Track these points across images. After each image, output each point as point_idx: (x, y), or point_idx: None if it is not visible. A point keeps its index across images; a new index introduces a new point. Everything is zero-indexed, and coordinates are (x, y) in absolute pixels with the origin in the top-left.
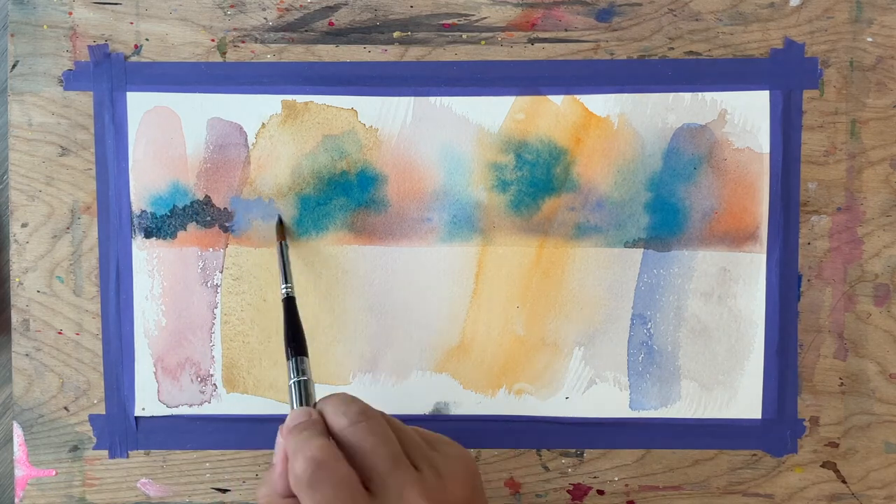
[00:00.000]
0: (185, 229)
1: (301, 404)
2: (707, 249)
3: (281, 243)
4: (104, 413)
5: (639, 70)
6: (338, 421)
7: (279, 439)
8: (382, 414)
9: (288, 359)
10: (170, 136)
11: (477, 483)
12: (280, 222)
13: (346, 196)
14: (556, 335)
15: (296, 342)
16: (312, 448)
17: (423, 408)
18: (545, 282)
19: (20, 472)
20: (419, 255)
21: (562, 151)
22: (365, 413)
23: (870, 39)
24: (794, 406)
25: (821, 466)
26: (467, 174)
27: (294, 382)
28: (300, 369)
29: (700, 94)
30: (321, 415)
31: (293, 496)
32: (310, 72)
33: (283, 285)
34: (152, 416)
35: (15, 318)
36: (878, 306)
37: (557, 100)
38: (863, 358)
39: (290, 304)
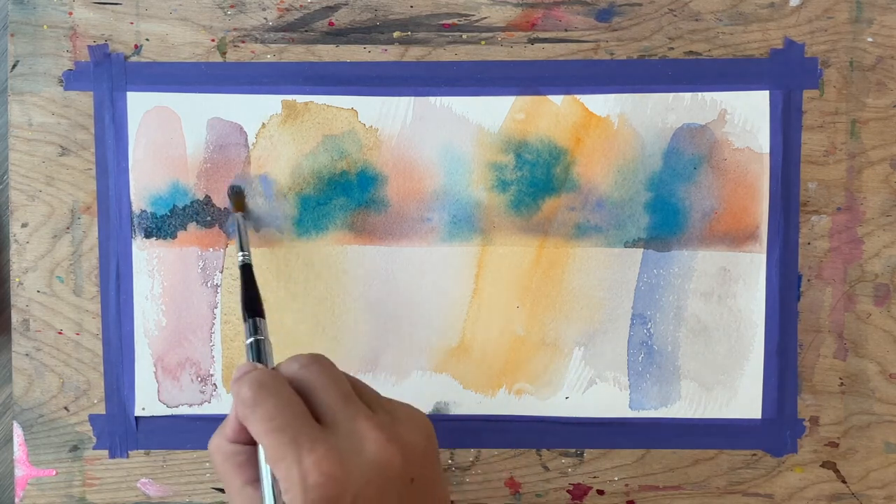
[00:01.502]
0: (186, 229)
1: (256, 360)
2: (707, 249)
3: (238, 215)
4: (104, 413)
5: (639, 70)
6: (289, 366)
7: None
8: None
9: (245, 321)
10: (170, 136)
11: (433, 439)
12: (235, 192)
13: (346, 196)
14: (556, 335)
15: (252, 304)
16: (257, 374)
17: (423, 408)
18: (545, 282)
19: (20, 471)
20: (419, 255)
21: (562, 151)
22: (316, 358)
23: (870, 39)
24: (794, 406)
25: (821, 466)
26: (467, 174)
27: (250, 342)
28: (257, 329)
29: (700, 94)
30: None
31: (245, 443)
32: (310, 72)
33: (240, 253)
34: (152, 416)
35: (15, 318)
36: (878, 306)
37: (557, 100)
38: (863, 358)
39: (246, 270)
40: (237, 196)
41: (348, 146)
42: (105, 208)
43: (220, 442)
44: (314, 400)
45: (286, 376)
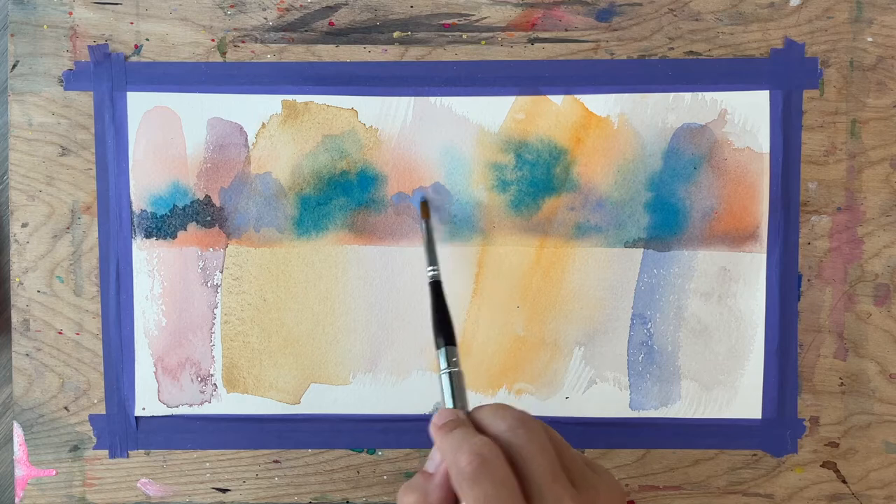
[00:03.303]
0: (186, 229)
1: (453, 396)
2: (707, 249)
3: (426, 221)
4: (104, 413)
5: (639, 70)
6: (495, 424)
7: (435, 447)
8: (541, 423)
9: (437, 348)
10: (170, 136)
11: None
12: (423, 200)
13: (346, 196)
14: (556, 335)
15: (446, 329)
16: (477, 443)
17: (423, 408)
18: (545, 282)
19: (20, 471)
20: (419, 255)
21: (562, 151)
22: (523, 420)
23: (870, 39)
24: (794, 406)
25: (821, 466)
26: (467, 174)
27: (448, 374)
28: (451, 360)
29: (700, 94)
30: (471, 418)
31: None
32: (310, 72)
33: (429, 268)
34: (152, 416)
35: (15, 318)
36: (878, 306)
37: (557, 100)
38: (863, 358)
39: (436, 288)
40: (426, 203)
41: (348, 146)
42: (105, 208)
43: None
44: (521, 471)
45: (490, 435)
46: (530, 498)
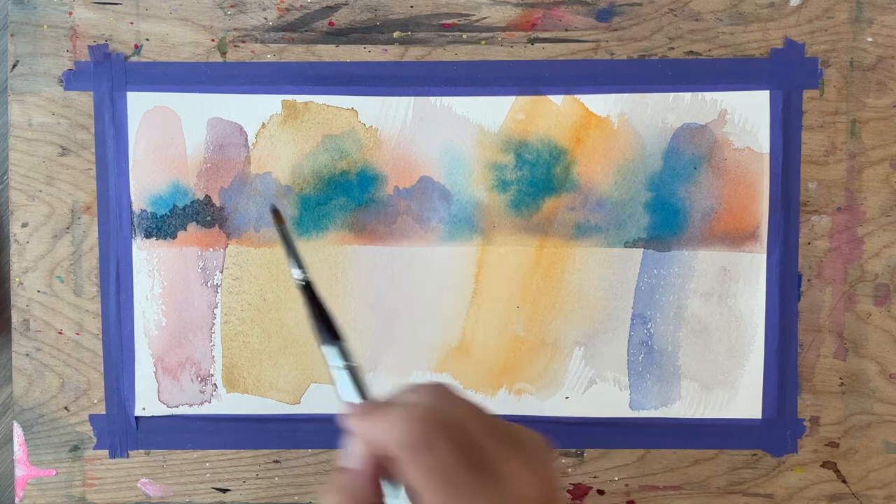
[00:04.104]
0: (185, 229)
1: (361, 391)
2: (707, 249)
3: (280, 227)
4: (104, 413)
5: (639, 70)
6: (414, 397)
7: (350, 442)
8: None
9: (323, 344)
10: (170, 136)
11: (554, 466)
12: (274, 209)
13: (346, 196)
14: (556, 335)
15: (329, 326)
16: (414, 410)
17: None
18: (545, 282)
19: (20, 471)
20: (419, 255)
21: (562, 151)
22: (441, 389)
23: (870, 39)
24: (794, 406)
25: (821, 466)
26: (467, 174)
27: (343, 368)
28: (348, 356)
29: (700, 94)
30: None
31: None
32: (310, 72)
33: (299, 270)
34: (152, 416)
35: (15, 318)
36: (878, 306)
37: (557, 100)
38: (863, 358)
39: (309, 289)
40: (277, 211)
41: (348, 146)
42: (105, 208)
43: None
44: (458, 438)
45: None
46: (474, 461)
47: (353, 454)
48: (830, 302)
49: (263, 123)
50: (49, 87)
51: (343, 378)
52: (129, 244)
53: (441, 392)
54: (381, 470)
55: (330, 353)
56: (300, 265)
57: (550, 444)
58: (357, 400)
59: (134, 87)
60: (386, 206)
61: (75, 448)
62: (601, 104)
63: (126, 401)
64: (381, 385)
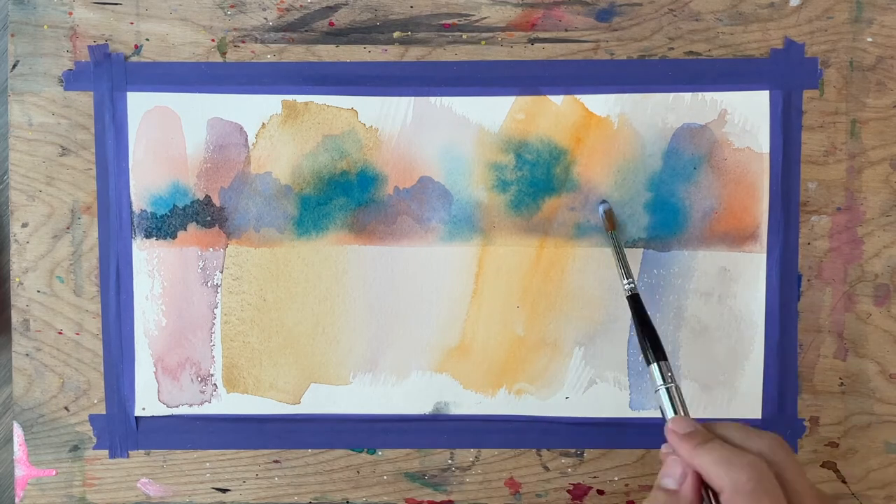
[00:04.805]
0: (185, 229)
1: (675, 410)
2: (707, 249)
3: (612, 234)
4: (104, 413)
5: (639, 70)
6: (753, 443)
7: (672, 463)
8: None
9: (649, 363)
10: (170, 136)
11: None
12: (608, 211)
13: (346, 196)
14: (556, 335)
15: (655, 344)
16: (754, 461)
17: (423, 408)
18: (545, 282)
19: (20, 471)
20: (419, 255)
21: (562, 151)
22: (780, 440)
23: (870, 39)
24: (794, 406)
25: (821, 466)
26: (467, 174)
27: (665, 388)
28: (666, 375)
29: (700, 94)
30: (716, 434)
31: None
32: (310, 72)
33: (626, 281)
34: (152, 416)
35: (15, 318)
36: (878, 306)
37: (557, 100)
38: (863, 358)
39: (636, 301)
40: (610, 215)
41: (348, 146)
42: (105, 208)
43: None
44: (786, 492)
45: (757, 454)
46: None
47: (674, 476)
48: (830, 302)
49: (263, 123)
50: (49, 87)
51: (664, 397)
52: (129, 244)
53: (778, 444)
54: (702, 495)
55: (653, 371)
56: (629, 275)
57: None
58: (682, 419)
59: (134, 87)
60: (386, 206)
61: (75, 448)
62: (601, 104)
63: (126, 401)
64: (382, 385)
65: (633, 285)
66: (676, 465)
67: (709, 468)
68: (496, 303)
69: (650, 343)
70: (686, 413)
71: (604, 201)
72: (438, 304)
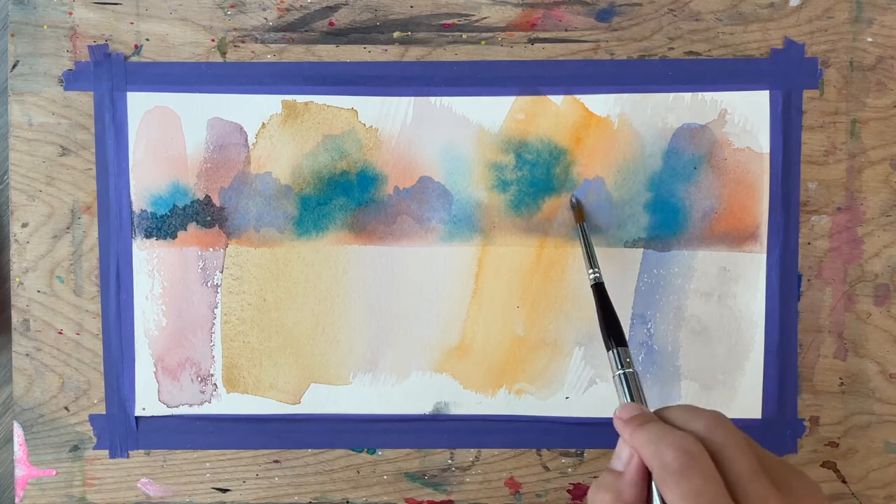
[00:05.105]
0: (185, 229)
1: (631, 395)
2: (707, 249)
3: (581, 225)
4: (104, 413)
5: (639, 70)
6: (691, 423)
7: (620, 445)
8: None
9: (608, 349)
10: (170, 136)
11: None
12: (576, 202)
13: (346, 196)
14: (556, 335)
15: (615, 331)
16: (682, 438)
17: (423, 408)
18: (545, 282)
19: (20, 471)
20: (419, 255)
21: (562, 151)
22: (720, 419)
23: (870, 39)
24: (794, 406)
25: (821, 466)
26: (467, 174)
27: (620, 374)
28: (624, 361)
29: (700, 94)
30: (660, 416)
31: None
32: (310, 72)
33: (590, 270)
34: (153, 416)
35: (15, 318)
36: (878, 306)
37: (557, 100)
38: (863, 358)
39: (600, 290)
40: (580, 205)
41: (348, 146)
42: (105, 208)
43: None
44: (723, 470)
45: (693, 433)
46: (735, 496)
47: (621, 457)
48: (830, 302)
49: (263, 123)
50: (49, 87)
51: (619, 382)
52: (129, 244)
53: (717, 422)
54: (649, 476)
55: (610, 357)
56: (593, 265)
57: (822, 493)
58: (629, 405)
59: (134, 87)
60: (386, 206)
61: (75, 448)
62: (601, 104)
63: (126, 401)
64: (382, 385)
65: (597, 275)
66: (624, 447)
67: (642, 448)
68: (496, 303)
69: (610, 330)
70: (641, 398)
71: (574, 196)
72: (438, 304)
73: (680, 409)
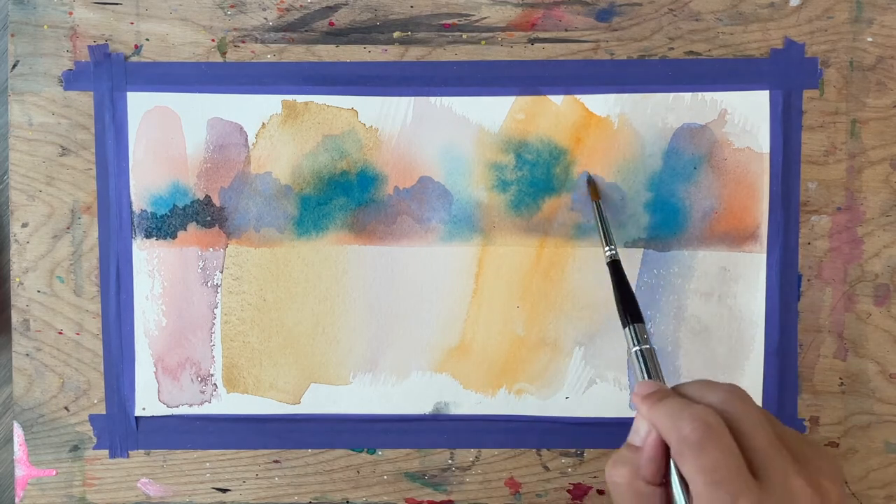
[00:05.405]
0: (185, 229)
1: (648, 372)
2: (707, 249)
3: (597, 203)
4: (104, 413)
5: (639, 70)
6: (708, 396)
7: (638, 421)
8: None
9: (624, 326)
10: (170, 136)
11: (844, 486)
12: (590, 180)
13: (346, 196)
14: (556, 335)
15: (631, 307)
16: (699, 411)
17: (423, 408)
18: (545, 282)
19: (20, 471)
20: (419, 255)
21: (562, 151)
22: (737, 391)
23: (870, 39)
24: (794, 406)
25: None
26: (467, 174)
27: (637, 350)
28: (640, 337)
29: (700, 94)
30: (677, 391)
31: (660, 485)
32: (310, 72)
33: (606, 247)
34: (152, 416)
35: (15, 318)
36: (878, 306)
37: (557, 100)
38: (863, 358)
39: (616, 267)
40: (594, 183)
41: (348, 146)
42: (105, 208)
43: (634, 481)
44: (741, 442)
45: (710, 406)
46: (753, 468)
47: (639, 432)
48: (830, 302)
49: (263, 123)
50: (49, 87)
51: (636, 358)
52: (129, 244)
53: (734, 395)
54: (667, 451)
55: (626, 333)
56: (609, 242)
57: (840, 468)
58: (647, 382)
59: (134, 87)
60: (386, 206)
61: (75, 448)
62: (601, 104)
63: (126, 401)
64: (382, 385)
65: (613, 252)
66: (642, 423)
67: (660, 422)
68: (496, 303)
69: (626, 306)
70: (659, 374)
71: (587, 175)
72: (438, 304)
73: (697, 383)
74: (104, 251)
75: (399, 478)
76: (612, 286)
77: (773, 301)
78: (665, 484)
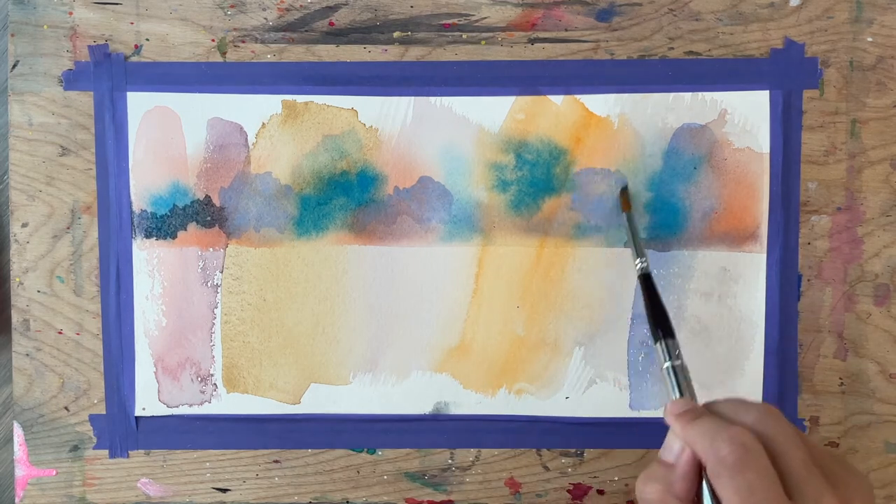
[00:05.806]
0: (185, 229)
1: (680, 389)
2: (707, 249)
3: (627, 214)
4: (104, 413)
5: (639, 70)
6: (742, 415)
7: (671, 438)
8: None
9: (656, 341)
10: (170, 136)
11: None
12: (624, 190)
13: (346, 196)
14: (556, 335)
15: (663, 322)
16: (737, 433)
17: (423, 408)
18: (545, 282)
19: (20, 471)
20: (419, 255)
21: (562, 151)
22: (771, 411)
23: (870, 39)
24: (794, 406)
25: None
26: (467, 174)
27: (668, 367)
28: (673, 353)
29: (700, 94)
30: (711, 409)
31: (691, 502)
32: (310, 72)
33: (637, 260)
34: (152, 416)
35: (15, 318)
36: (878, 306)
37: (557, 100)
38: (863, 358)
39: (647, 280)
40: (627, 192)
41: (348, 146)
42: (105, 208)
43: (665, 497)
44: (776, 463)
45: (745, 426)
46: (787, 489)
47: (672, 450)
48: (830, 302)
49: (263, 123)
50: (49, 87)
51: (668, 375)
52: (129, 244)
53: (768, 414)
54: (700, 469)
55: (658, 349)
56: (640, 254)
57: (872, 487)
58: (680, 398)
59: (134, 87)
60: (386, 206)
61: (75, 448)
62: (601, 104)
63: (126, 401)
64: (382, 385)
65: (645, 264)
66: (675, 440)
67: (695, 442)
68: (496, 303)
69: (658, 321)
70: (690, 390)
71: (623, 182)
72: (438, 304)
73: (730, 402)
74: (104, 251)
75: (399, 478)
76: (643, 300)
77: (773, 301)
78: (696, 502)
